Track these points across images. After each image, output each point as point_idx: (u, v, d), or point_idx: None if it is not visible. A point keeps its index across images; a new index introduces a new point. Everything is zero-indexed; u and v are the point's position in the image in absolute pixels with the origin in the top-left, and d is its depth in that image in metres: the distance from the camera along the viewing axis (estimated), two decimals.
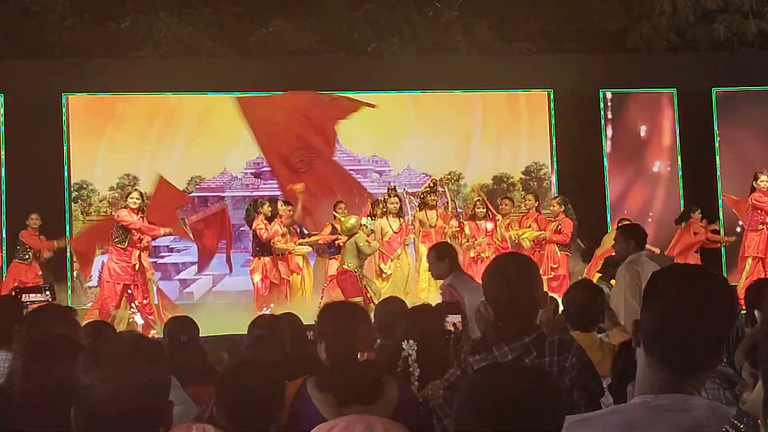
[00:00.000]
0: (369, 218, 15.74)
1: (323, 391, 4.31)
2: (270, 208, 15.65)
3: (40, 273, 16.08)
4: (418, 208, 16.40)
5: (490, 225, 16.22)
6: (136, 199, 14.90)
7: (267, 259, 15.49)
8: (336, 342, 4.63)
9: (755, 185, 16.81)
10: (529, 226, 16.72)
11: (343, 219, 15.20)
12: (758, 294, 6.30)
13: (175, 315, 7.49)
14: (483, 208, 16.32)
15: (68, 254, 17.27)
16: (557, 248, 16.41)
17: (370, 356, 4.64)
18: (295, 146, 17.22)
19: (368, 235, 15.20)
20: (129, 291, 14.81)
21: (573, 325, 6.36)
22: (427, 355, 5.47)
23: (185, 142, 18.62)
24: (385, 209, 15.97)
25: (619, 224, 14.96)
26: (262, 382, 4.06)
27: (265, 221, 15.44)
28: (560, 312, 6.80)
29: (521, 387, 2.57)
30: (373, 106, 17.11)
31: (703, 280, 2.75)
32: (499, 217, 16.59)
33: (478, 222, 16.21)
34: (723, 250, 18.64)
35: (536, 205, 17.14)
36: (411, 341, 5.28)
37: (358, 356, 4.55)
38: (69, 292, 17.11)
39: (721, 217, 18.65)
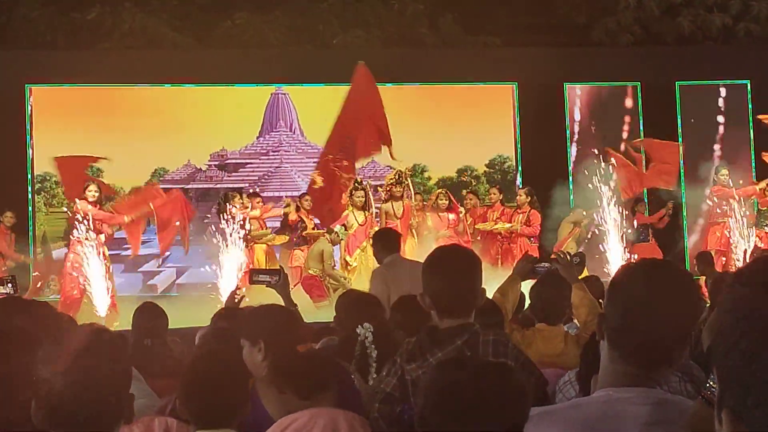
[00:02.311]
0: (341, 227, 15.73)
1: (278, 390, 4.28)
2: (240, 200, 15.63)
3: (4, 268, 15.93)
4: (383, 200, 16.39)
5: (452, 216, 16.27)
6: (95, 192, 14.79)
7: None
8: (274, 339, 4.59)
9: (715, 179, 16.96)
10: (495, 220, 16.78)
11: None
12: (722, 288, 6.34)
13: (145, 302, 7.43)
14: (446, 200, 16.35)
15: (31, 248, 17.16)
16: (528, 241, 16.45)
17: (309, 347, 4.61)
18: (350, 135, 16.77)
19: (337, 243, 15.33)
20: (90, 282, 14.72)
21: (539, 318, 6.38)
22: (381, 337, 5.44)
23: (149, 133, 18.51)
24: (350, 202, 15.98)
25: None
26: (227, 375, 4.02)
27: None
28: (527, 306, 6.80)
29: (487, 382, 2.57)
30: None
31: (667, 274, 2.75)
32: (461, 208, 16.65)
33: (440, 214, 16.25)
34: (686, 244, 18.73)
35: (500, 198, 17.21)
36: (367, 324, 5.26)
37: (299, 349, 4.52)
38: (30, 281, 17.00)
39: (684, 211, 18.75)
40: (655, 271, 2.76)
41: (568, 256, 6.37)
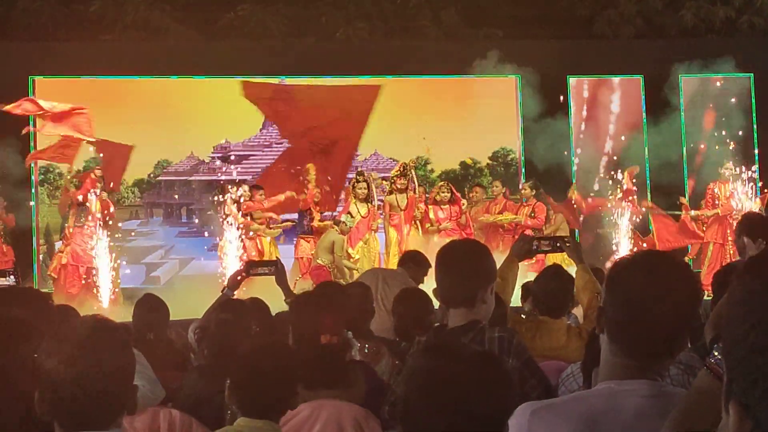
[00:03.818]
0: (348, 215, 15.73)
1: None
2: (240, 193, 15.63)
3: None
4: (387, 192, 16.39)
5: (455, 209, 16.28)
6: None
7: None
8: (300, 325, 4.63)
9: (720, 171, 17.00)
10: (499, 212, 16.82)
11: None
12: (725, 280, 6.31)
13: (146, 294, 7.43)
14: (447, 192, 16.36)
15: (33, 238, 17.16)
16: (533, 233, 16.45)
17: (333, 340, 4.61)
18: (312, 125, 17.21)
19: (346, 232, 15.30)
20: (93, 273, 14.74)
21: (542, 311, 6.38)
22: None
23: (152, 125, 18.49)
24: (353, 194, 16.00)
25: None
26: (278, 370, 4.04)
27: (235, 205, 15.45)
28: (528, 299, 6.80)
29: (472, 369, 2.56)
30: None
31: (666, 267, 2.75)
32: (463, 201, 16.66)
33: (442, 206, 16.26)
34: None
35: (504, 191, 17.24)
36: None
37: (321, 338, 4.54)
38: (35, 275, 17.01)
39: (687, 201, 18.73)
40: (652, 263, 2.76)
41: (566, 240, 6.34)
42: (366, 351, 5.77)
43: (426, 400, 2.52)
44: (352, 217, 15.54)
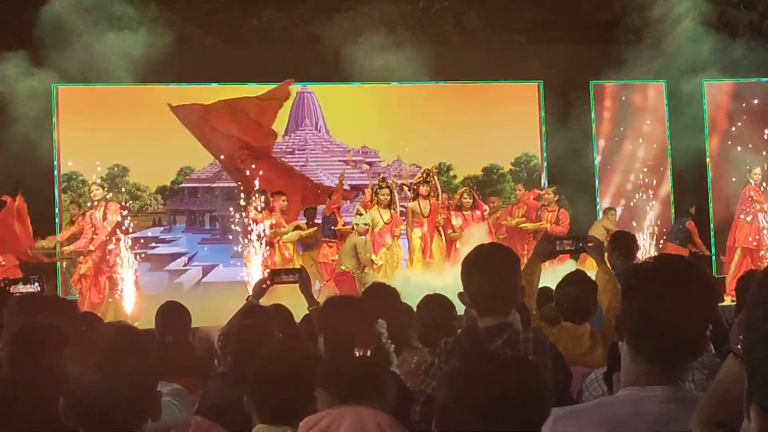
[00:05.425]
0: (357, 215, 15.75)
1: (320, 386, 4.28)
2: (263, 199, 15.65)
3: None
4: (411, 198, 16.40)
5: (477, 215, 16.28)
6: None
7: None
8: (334, 336, 4.64)
9: (747, 178, 16.97)
10: (522, 216, 16.86)
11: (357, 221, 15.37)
12: (749, 286, 6.30)
13: (168, 301, 7.43)
14: (470, 198, 16.36)
15: (57, 246, 17.22)
16: None
17: (366, 351, 4.61)
18: (238, 147, 17.44)
19: (365, 232, 15.28)
20: (113, 277, 14.78)
21: (564, 317, 6.36)
22: (392, 331, 5.44)
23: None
24: (375, 200, 15.99)
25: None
26: (296, 376, 4.03)
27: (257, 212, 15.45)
28: (552, 303, 6.77)
29: (513, 377, 2.58)
30: (291, 83, 17.66)
31: (681, 273, 2.74)
32: (485, 207, 16.66)
33: (464, 212, 16.26)
34: (713, 241, 18.65)
35: (530, 194, 17.31)
36: (381, 320, 5.25)
37: (355, 352, 4.53)
38: (59, 283, 17.06)
39: (710, 206, 18.68)
40: (666, 269, 2.76)
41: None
42: (409, 364, 5.73)
43: (465, 404, 2.54)
44: (361, 215, 15.52)
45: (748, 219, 16.86)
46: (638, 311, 2.70)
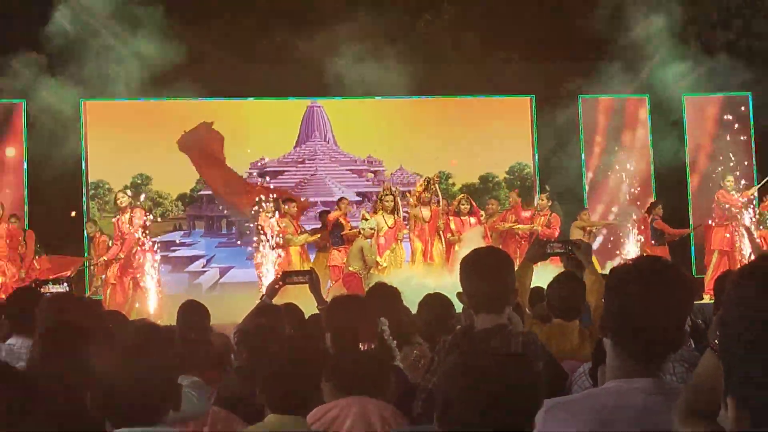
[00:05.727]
0: (363, 220, 15.74)
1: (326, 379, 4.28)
2: (275, 206, 15.66)
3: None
4: (413, 205, 16.41)
5: (473, 220, 16.29)
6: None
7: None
8: (340, 332, 4.65)
9: (722, 184, 17.03)
10: (515, 221, 16.86)
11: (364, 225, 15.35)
12: (725, 286, 6.30)
13: (189, 300, 7.43)
14: (467, 204, 16.37)
15: (85, 246, 17.25)
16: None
17: (370, 346, 4.61)
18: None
19: (370, 236, 15.28)
20: (136, 278, 14.78)
21: (555, 314, 6.36)
22: (394, 328, 5.44)
23: None
24: (381, 206, 16.00)
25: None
26: (305, 367, 4.03)
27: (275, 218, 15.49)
28: (544, 302, 6.76)
29: (508, 370, 2.59)
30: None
31: (657, 273, 2.74)
32: (482, 213, 16.68)
33: (462, 218, 16.28)
34: (692, 244, 18.68)
35: (519, 201, 17.31)
36: (383, 318, 5.25)
37: (360, 346, 4.54)
38: (86, 285, 17.07)
39: (689, 214, 18.72)
40: (645, 270, 2.76)
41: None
42: (410, 358, 5.74)
43: (464, 397, 2.56)
44: (367, 220, 15.51)
45: (725, 223, 16.91)
46: (619, 310, 2.71)
